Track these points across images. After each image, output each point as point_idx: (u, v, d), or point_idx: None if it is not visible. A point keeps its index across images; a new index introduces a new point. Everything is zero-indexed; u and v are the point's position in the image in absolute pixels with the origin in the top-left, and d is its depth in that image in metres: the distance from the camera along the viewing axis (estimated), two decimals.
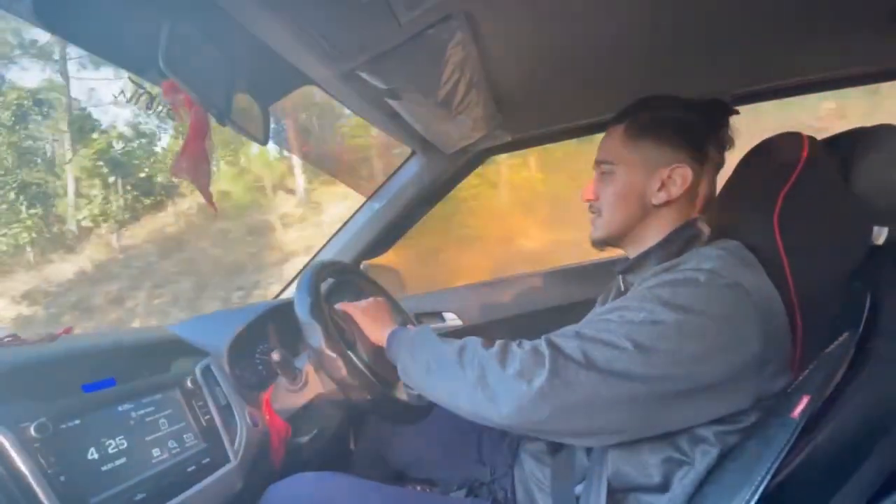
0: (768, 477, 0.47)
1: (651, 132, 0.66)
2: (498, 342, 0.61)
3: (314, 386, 0.85)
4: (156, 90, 0.66)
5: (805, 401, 0.52)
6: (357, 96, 0.81)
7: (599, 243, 0.73)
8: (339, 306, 0.84)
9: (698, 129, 0.66)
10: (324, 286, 0.90)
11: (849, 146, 0.67)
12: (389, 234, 1.29)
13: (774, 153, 0.69)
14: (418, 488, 0.90)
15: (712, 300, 0.54)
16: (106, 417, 0.60)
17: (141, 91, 0.67)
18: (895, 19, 0.78)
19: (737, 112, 0.70)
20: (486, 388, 0.56)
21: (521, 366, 0.55)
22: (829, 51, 0.92)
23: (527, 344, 0.58)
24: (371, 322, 0.80)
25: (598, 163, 0.72)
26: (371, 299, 0.84)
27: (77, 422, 0.57)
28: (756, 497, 0.47)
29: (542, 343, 0.57)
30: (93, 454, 0.56)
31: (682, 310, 0.53)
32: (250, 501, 0.74)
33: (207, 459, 0.68)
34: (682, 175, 0.65)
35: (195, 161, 0.67)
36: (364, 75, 0.71)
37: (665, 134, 0.66)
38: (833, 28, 0.82)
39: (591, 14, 0.70)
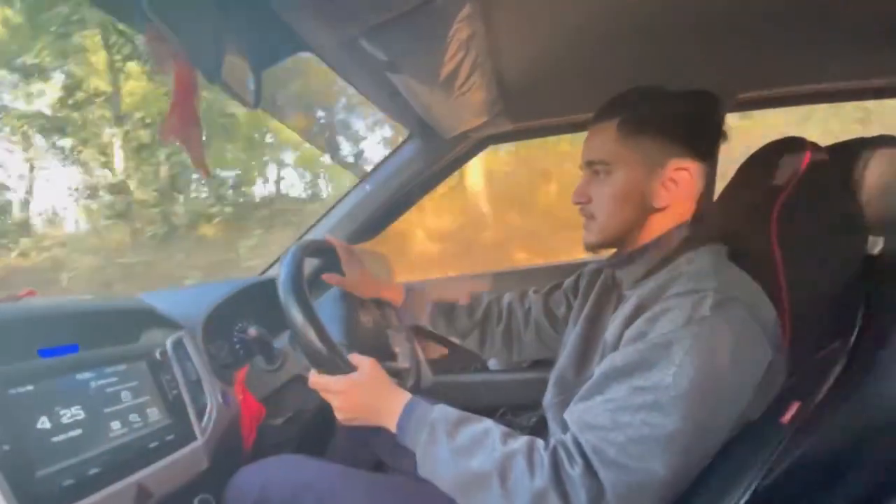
0: (756, 481, 0.46)
1: (649, 127, 0.62)
2: (546, 471, 0.52)
3: (292, 367, 0.82)
4: (139, 39, 0.61)
5: (795, 407, 0.51)
6: (357, 68, 0.77)
7: (594, 248, 0.68)
8: (316, 383, 0.64)
9: (696, 123, 0.63)
10: (308, 267, 0.86)
11: (849, 155, 0.66)
12: (380, 218, 1.25)
13: (777, 157, 0.68)
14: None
15: (725, 331, 0.52)
16: (62, 385, 0.56)
17: (122, 40, 0.62)
18: None
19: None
20: None
21: None
22: (848, 60, 0.90)
23: (578, 467, 0.51)
24: (362, 408, 0.63)
25: (589, 163, 0.66)
26: (356, 375, 0.63)
27: (29, 388, 0.53)
28: (744, 501, 0.45)
29: (601, 474, 0.50)
30: (44, 423, 0.52)
31: (703, 371, 0.50)
32: (218, 482, 0.71)
33: (171, 436, 0.64)
34: (685, 174, 0.61)
35: (185, 122, 0.62)
36: (365, 44, 0.67)
37: (664, 128, 0.61)
38: (855, 36, 0.81)
39: (603, 3, 0.67)
